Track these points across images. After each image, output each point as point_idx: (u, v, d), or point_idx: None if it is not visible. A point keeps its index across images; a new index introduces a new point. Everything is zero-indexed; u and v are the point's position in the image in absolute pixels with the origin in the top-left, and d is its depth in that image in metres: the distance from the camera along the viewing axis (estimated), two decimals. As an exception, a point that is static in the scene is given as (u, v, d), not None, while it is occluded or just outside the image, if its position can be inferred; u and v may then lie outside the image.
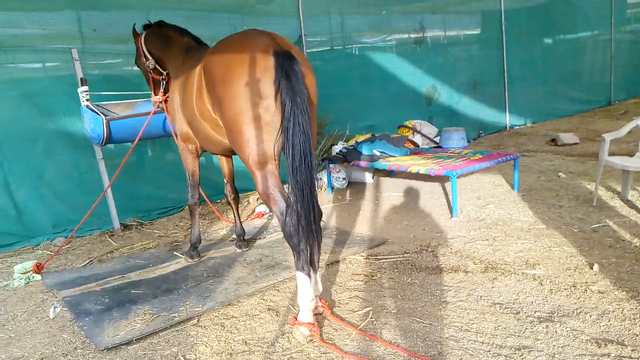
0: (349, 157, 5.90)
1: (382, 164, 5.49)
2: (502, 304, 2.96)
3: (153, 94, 4.31)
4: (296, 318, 2.82)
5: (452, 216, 4.74)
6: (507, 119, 9.57)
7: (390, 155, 5.95)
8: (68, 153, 5.08)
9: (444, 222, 4.61)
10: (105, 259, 4.38)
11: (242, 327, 2.96)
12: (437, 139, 7.68)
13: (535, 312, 2.83)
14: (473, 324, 2.77)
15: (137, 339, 2.89)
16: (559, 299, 2.94)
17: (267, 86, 2.58)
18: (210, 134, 3.34)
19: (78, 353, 2.79)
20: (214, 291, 3.47)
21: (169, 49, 3.95)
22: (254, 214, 5.26)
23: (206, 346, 2.77)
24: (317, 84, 2.89)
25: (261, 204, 5.46)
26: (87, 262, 4.29)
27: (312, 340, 2.73)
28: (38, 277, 3.91)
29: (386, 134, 6.57)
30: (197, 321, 3.07)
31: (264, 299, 3.30)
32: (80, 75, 4.65)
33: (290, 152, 2.56)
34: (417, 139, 7.36)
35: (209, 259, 4.12)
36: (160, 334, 2.94)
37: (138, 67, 4.48)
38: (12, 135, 4.79)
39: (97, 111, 4.28)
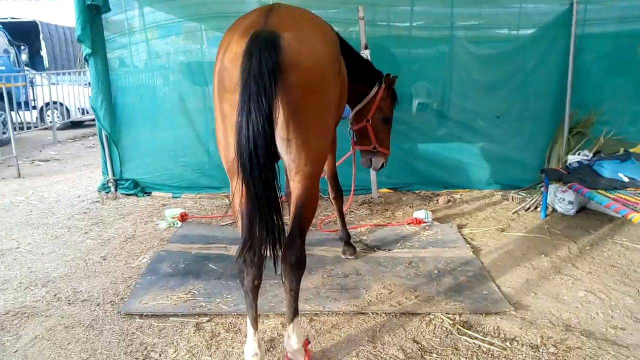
0: (570, 176, 4.24)
1: (601, 198, 3.72)
2: None
3: None
4: (247, 371, 2.29)
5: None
6: None
7: (646, 186, 3.99)
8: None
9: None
10: (248, 223, 4.54)
11: (224, 346, 2.60)
12: None
13: None
14: None
15: (152, 314, 2.92)
16: None
17: (234, 76, 2.01)
18: None
19: (106, 308, 3.02)
20: (263, 294, 3.15)
21: None
22: (411, 217, 4.45)
23: (175, 351, 2.57)
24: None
25: (420, 209, 4.56)
26: (230, 222, 4.55)
27: (245, 402, 2.19)
28: (179, 224, 4.39)
29: (664, 153, 4.41)
30: (207, 320, 2.86)
31: (284, 325, 2.80)
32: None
33: (238, 157, 1.97)
34: None
35: (309, 255, 3.75)
36: (170, 319, 2.88)
37: None
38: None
39: None
